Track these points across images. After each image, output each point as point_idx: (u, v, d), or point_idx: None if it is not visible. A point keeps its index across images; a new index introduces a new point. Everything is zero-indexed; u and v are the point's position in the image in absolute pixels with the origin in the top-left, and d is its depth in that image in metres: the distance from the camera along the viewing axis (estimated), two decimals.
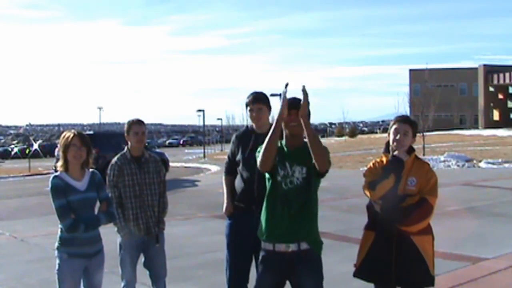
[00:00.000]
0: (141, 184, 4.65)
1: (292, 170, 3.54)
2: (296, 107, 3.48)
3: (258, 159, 3.52)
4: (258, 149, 3.60)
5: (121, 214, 4.58)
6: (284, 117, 3.47)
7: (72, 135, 3.99)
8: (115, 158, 4.72)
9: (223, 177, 4.75)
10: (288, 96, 3.49)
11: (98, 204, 4.12)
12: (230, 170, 4.65)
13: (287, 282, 3.63)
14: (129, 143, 4.74)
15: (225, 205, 4.66)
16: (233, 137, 4.70)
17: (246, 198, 4.37)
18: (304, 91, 3.42)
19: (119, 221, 4.56)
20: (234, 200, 4.54)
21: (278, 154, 3.55)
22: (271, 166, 3.51)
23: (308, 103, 3.43)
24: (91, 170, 4.12)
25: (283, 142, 3.63)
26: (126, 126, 4.75)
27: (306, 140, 3.58)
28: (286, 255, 3.50)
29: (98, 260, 4.10)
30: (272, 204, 3.57)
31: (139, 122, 4.75)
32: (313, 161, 3.44)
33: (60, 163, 4.00)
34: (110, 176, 4.65)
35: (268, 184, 3.62)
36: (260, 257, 3.65)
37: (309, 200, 3.56)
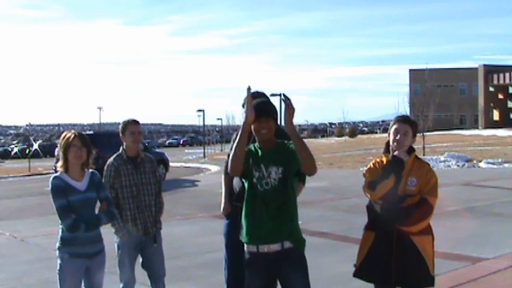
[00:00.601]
0: (138, 185, 4.63)
1: (267, 171, 3.54)
2: (265, 114, 3.52)
3: (228, 164, 3.52)
4: (228, 153, 3.61)
5: (119, 215, 4.56)
6: (249, 121, 3.47)
7: (72, 135, 4.00)
8: (111, 159, 4.68)
9: (223, 176, 4.75)
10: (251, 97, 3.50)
11: (98, 204, 4.12)
12: None
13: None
14: (124, 143, 4.71)
15: (222, 205, 4.66)
16: (233, 136, 4.72)
17: (244, 198, 4.37)
18: (286, 98, 3.41)
19: (117, 222, 4.55)
20: (232, 200, 4.55)
21: (252, 157, 3.57)
22: (241, 171, 3.51)
23: (293, 110, 3.42)
24: (90, 170, 4.12)
25: (257, 144, 3.64)
26: (121, 126, 4.72)
27: (278, 141, 3.62)
28: (270, 255, 3.51)
29: (99, 260, 4.11)
30: (251, 206, 3.58)
31: (134, 122, 4.73)
32: (290, 161, 3.49)
33: (60, 163, 4.00)
34: (107, 177, 4.61)
35: (246, 187, 3.62)
36: (245, 261, 3.64)
37: (288, 200, 3.56)
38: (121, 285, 4.63)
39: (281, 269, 3.53)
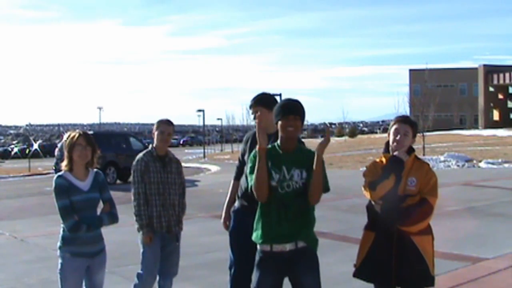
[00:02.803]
0: (164, 183, 4.70)
1: (289, 174, 3.49)
2: (293, 112, 3.50)
3: (254, 193, 3.48)
4: (249, 176, 3.56)
5: (146, 211, 4.62)
6: (263, 148, 3.42)
7: (77, 134, 4.00)
8: (141, 155, 4.78)
9: (231, 182, 4.79)
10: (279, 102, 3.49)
11: (101, 204, 4.13)
12: (240, 175, 4.67)
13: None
14: (154, 141, 4.79)
15: (222, 215, 4.72)
16: (244, 137, 4.74)
17: (250, 198, 4.37)
18: (327, 129, 3.45)
19: (144, 218, 4.60)
20: (237, 202, 4.56)
21: (271, 158, 3.51)
22: (267, 195, 3.45)
23: (328, 141, 3.45)
24: (95, 170, 4.12)
25: (277, 143, 3.59)
26: (155, 124, 4.81)
27: (300, 146, 3.61)
28: (284, 254, 3.50)
29: (100, 259, 4.11)
30: (266, 209, 3.52)
31: (168, 122, 4.82)
32: (312, 166, 3.44)
33: (64, 162, 4.00)
34: (136, 171, 4.69)
35: None
36: (256, 260, 3.60)
37: (308, 204, 3.53)
38: (137, 281, 4.64)
39: (294, 268, 3.52)
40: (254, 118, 4.60)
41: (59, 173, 4.02)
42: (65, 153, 4.00)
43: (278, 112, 3.55)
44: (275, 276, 3.55)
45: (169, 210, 4.69)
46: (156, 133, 4.75)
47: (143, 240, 4.63)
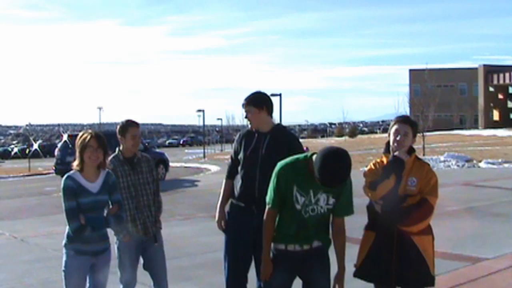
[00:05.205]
0: (136, 185, 4.61)
1: (315, 197, 3.47)
2: (336, 185, 3.35)
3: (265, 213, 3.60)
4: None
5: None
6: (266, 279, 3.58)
7: (89, 136, 3.99)
8: (107, 161, 4.64)
9: (224, 181, 4.68)
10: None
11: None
12: (232, 173, 4.57)
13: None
14: (122, 144, 4.68)
15: (217, 215, 4.64)
16: (237, 136, 4.69)
17: (246, 198, 4.35)
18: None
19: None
20: (232, 203, 4.52)
21: (299, 179, 3.45)
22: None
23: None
24: (106, 170, 4.11)
25: (306, 165, 3.46)
26: (120, 126, 4.66)
27: None
28: (299, 254, 3.54)
29: (105, 258, 4.12)
30: (287, 222, 3.53)
31: (135, 124, 4.69)
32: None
33: (76, 162, 3.99)
34: None
35: (284, 207, 3.53)
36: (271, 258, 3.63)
37: (328, 218, 3.60)
38: (121, 286, 4.63)
39: (307, 267, 3.56)
40: (246, 117, 4.61)
41: (69, 173, 4.00)
42: (77, 153, 3.99)
43: (320, 176, 3.26)
44: (287, 274, 3.59)
45: (144, 212, 4.60)
46: (127, 137, 4.61)
47: (122, 239, 4.55)
